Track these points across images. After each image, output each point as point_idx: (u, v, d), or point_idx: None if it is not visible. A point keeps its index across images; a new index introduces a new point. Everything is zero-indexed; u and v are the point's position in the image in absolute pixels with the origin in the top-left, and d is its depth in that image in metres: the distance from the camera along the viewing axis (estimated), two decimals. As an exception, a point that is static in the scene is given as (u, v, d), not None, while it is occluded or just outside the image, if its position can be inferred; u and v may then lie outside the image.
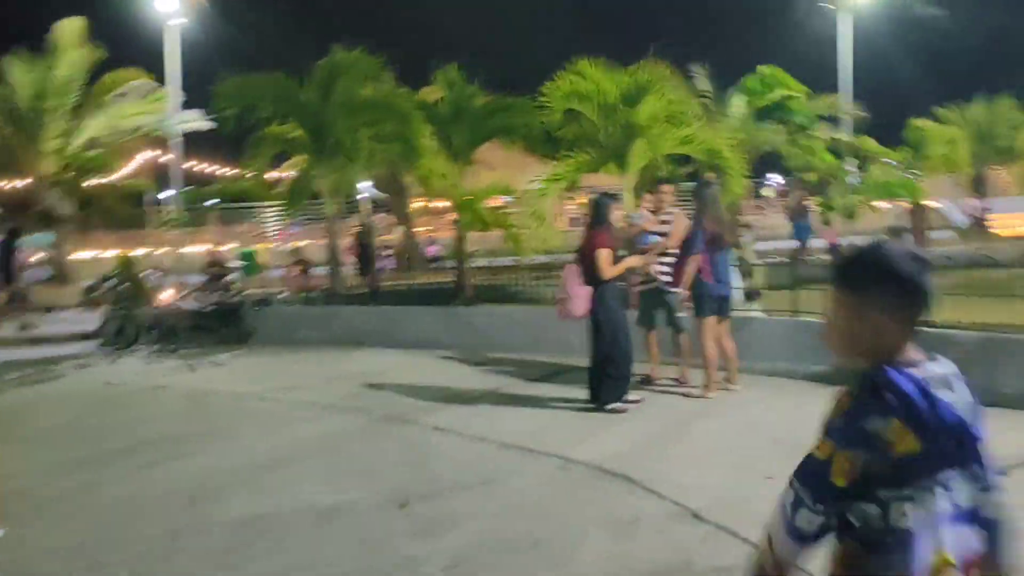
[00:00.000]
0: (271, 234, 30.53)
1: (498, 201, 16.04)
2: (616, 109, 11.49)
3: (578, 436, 6.30)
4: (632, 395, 7.10)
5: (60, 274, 20.11)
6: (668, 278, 7.53)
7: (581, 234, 7.32)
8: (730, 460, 5.63)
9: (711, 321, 7.33)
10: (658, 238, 7.67)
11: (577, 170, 11.67)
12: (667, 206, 7.96)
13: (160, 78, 21.95)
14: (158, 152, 25.36)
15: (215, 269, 19.56)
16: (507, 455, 5.88)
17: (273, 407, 7.94)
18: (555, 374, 8.80)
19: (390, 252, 21.97)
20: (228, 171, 24.07)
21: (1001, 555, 1.67)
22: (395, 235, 23.82)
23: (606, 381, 6.95)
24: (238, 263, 21.23)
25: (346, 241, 19.86)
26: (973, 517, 1.63)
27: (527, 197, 12.72)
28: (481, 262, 16.49)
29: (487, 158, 15.39)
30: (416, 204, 23.55)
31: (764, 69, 14.24)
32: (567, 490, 5.17)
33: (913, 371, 1.59)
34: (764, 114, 14.10)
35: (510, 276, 13.97)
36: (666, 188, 8.01)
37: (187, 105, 22.07)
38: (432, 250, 24.78)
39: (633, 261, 7.32)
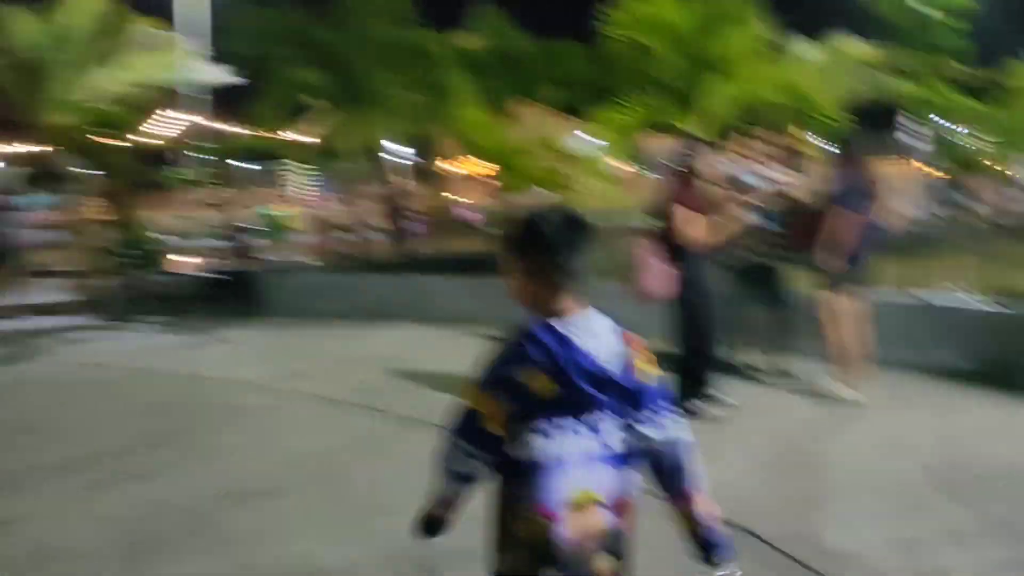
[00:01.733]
0: (295, 196, 29.17)
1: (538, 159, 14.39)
2: (691, 43, 9.69)
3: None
4: (726, 395, 5.53)
5: (69, 237, 18.87)
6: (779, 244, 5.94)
7: (660, 190, 5.70)
8: (884, 503, 4.05)
9: (845, 299, 5.71)
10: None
11: (642, 118, 9.97)
12: (765, 157, 6.31)
13: (181, 30, 20.40)
14: (181, 112, 24.04)
15: (231, 233, 18.29)
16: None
17: (271, 403, 6.47)
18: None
19: (421, 216, 20.40)
20: (251, 133, 22.52)
21: (670, 482, 1.81)
22: (426, 198, 22.23)
23: (688, 373, 5.39)
24: (257, 227, 19.86)
25: (374, 204, 18.45)
26: (623, 458, 1.75)
27: (583, 152, 11.04)
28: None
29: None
30: (449, 166, 21.93)
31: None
32: (660, 540, 3.61)
33: (559, 323, 1.72)
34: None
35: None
36: (769, 135, 6.34)
37: (214, 61, 20.58)
38: (468, 215, 23.21)
39: (728, 224, 5.64)
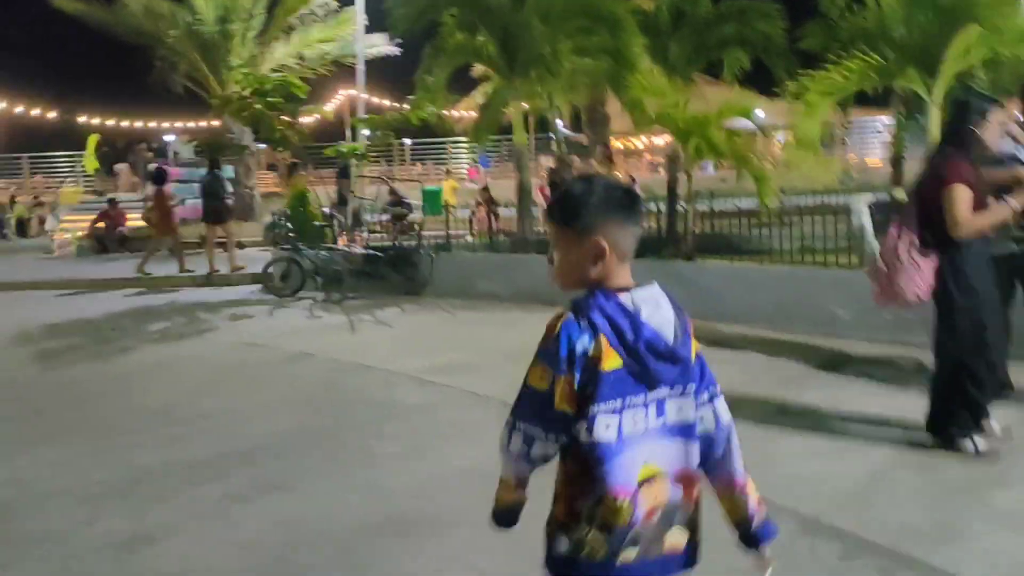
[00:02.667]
0: (456, 171, 28.94)
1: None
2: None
3: (933, 521, 3.50)
4: (993, 423, 4.29)
5: (243, 209, 19.25)
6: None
7: (926, 166, 4.48)
8: None
9: None
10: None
11: (860, 78, 8.53)
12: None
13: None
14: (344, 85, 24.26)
15: (394, 209, 18.04)
16: (801, 542, 3.31)
17: (430, 401, 5.76)
18: (836, 365, 6.12)
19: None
20: (413, 107, 22.20)
21: (721, 466, 1.77)
22: (592, 174, 21.22)
23: (956, 400, 4.19)
24: (419, 202, 19.59)
25: (538, 180, 17.67)
26: (685, 431, 1.70)
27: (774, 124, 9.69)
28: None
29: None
30: (617, 140, 20.81)
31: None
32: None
33: (620, 295, 1.65)
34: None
35: (733, 223, 11.12)
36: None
37: (369, 30, 20.43)
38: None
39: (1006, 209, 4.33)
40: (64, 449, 4.93)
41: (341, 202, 14.71)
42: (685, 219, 10.71)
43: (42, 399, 6.23)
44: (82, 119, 31.79)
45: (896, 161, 12.23)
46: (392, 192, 18.68)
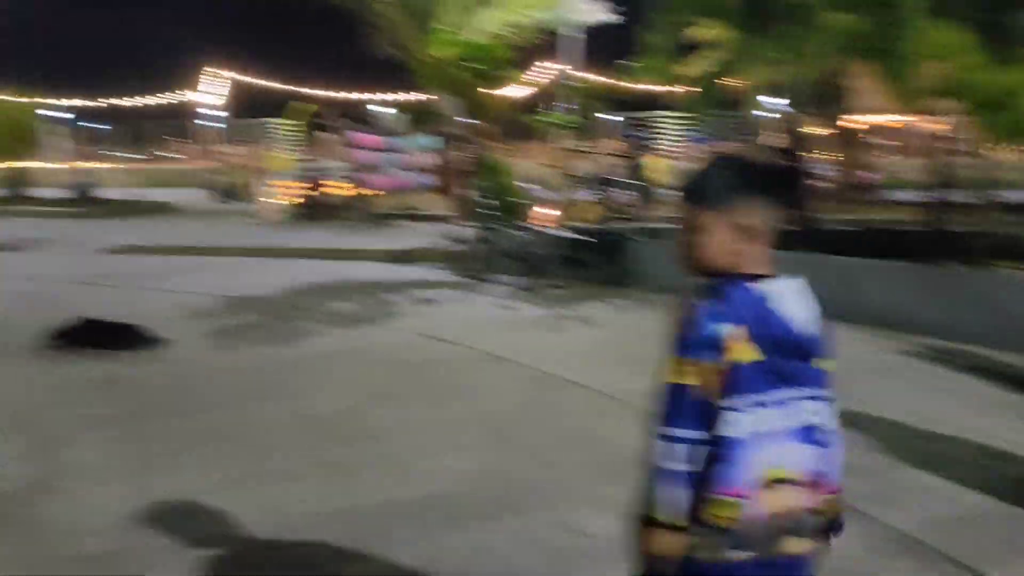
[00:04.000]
0: (669, 148, 27.07)
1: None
2: None
3: None
4: None
5: (443, 182, 18.64)
6: None
7: None
8: None
9: None
10: None
11: None
12: None
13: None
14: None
15: (598, 187, 16.69)
16: None
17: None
18: None
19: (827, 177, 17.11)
20: (624, 79, 20.57)
21: (833, 474, 1.62)
22: (827, 156, 18.78)
23: None
24: (626, 181, 18.06)
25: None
26: (822, 437, 1.58)
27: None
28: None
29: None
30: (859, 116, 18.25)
31: None
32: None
33: (758, 284, 1.55)
34: None
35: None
36: None
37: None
38: (867, 177, 19.43)
39: None
40: (198, 473, 4.01)
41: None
42: (968, 212, 8.58)
43: (200, 390, 5.46)
44: (304, 90, 32.94)
45: None
46: (596, 168, 17.36)
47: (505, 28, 18.41)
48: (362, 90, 34.27)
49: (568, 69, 17.48)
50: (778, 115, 13.00)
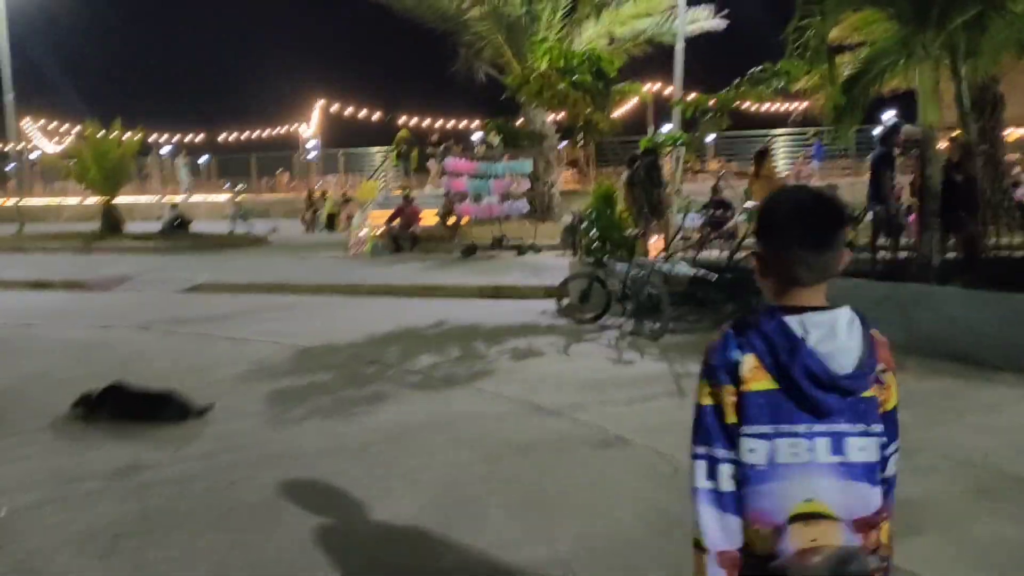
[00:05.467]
0: (783, 168, 25.07)
1: None
2: None
3: None
4: None
5: (540, 208, 17.34)
6: None
7: None
8: None
9: None
10: None
11: None
12: None
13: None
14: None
15: (717, 213, 15.05)
16: None
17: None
18: None
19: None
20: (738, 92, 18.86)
21: (886, 512, 1.59)
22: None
23: None
24: (745, 206, 16.32)
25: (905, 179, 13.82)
26: (867, 473, 1.54)
27: None
28: None
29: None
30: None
31: None
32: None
33: (793, 316, 1.54)
34: None
35: None
36: None
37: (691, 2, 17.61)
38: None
39: None
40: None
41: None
42: None
43: (236, 490, 4.23)
44: (401, 119, 32.61)
45: None
46: (715, 190, 15.68)
47: (608, 42, 17.09)
48: (458, 116, 33.68)
49: (677, 83, 15.95)
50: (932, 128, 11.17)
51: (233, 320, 9.54)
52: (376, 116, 34.88)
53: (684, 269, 8.83)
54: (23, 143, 30.11)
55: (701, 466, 1.53)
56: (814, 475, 1.49)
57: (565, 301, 9.43)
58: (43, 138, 36.48)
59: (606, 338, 8.09)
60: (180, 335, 8.62)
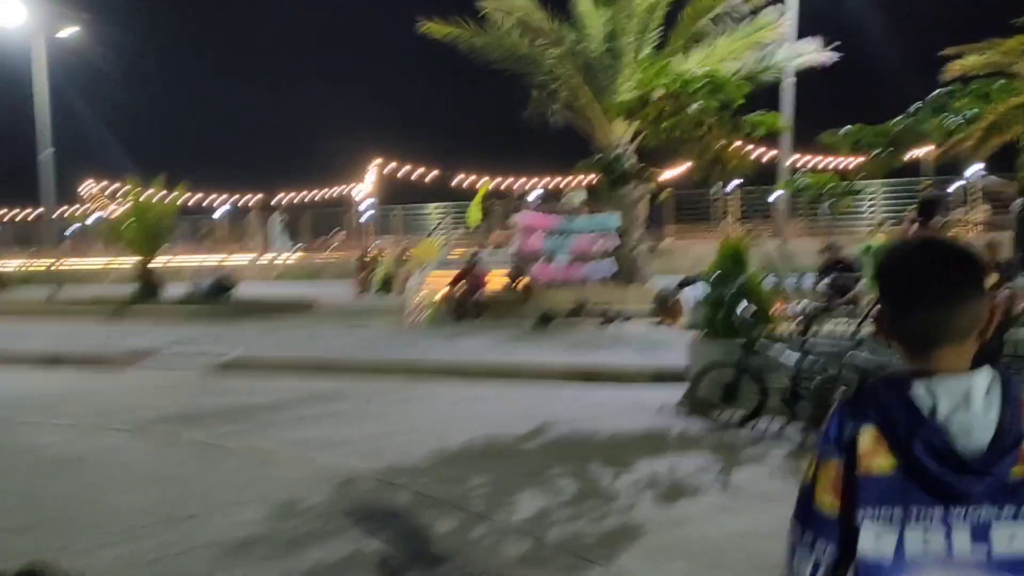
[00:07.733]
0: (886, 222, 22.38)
1: None
2: None
3: None
4: None
5: (627, 270, 15.00)
6: None
7: None
8: None
9: None
10: None
11: None
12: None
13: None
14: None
15: (837, 277, 12.58)
16: None
17: None
18: None
19: None
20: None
21: None
22: None
23: None
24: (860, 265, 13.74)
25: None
26: (997, 565, 1.25)
27: None
28: None
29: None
30: None
31: None
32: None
33: (920, 383, 1.28)
34: None
35: None
36: None
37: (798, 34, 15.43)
38: None
39: None
40: None
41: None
42: None
43: None
44: (460, 175, 30.97)
45: None
46: (829, 247, 13.17)
47: (707, 76, 14.89)
48: (516, 173, 31.80)
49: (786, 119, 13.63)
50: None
51: (260, 417, 7.38)
52: (433, 174, 33.23)
53: (864, 354, 6.40)
54: (79, 206, 29.22)
55: (796, 544, 1.32)
56: (958, 572, 1.24)
57: (686, 391, 7.09)
58: (103, 199, 35.71)
59: (776, 458, 5.69)
60: (184, 445, 6.45)
